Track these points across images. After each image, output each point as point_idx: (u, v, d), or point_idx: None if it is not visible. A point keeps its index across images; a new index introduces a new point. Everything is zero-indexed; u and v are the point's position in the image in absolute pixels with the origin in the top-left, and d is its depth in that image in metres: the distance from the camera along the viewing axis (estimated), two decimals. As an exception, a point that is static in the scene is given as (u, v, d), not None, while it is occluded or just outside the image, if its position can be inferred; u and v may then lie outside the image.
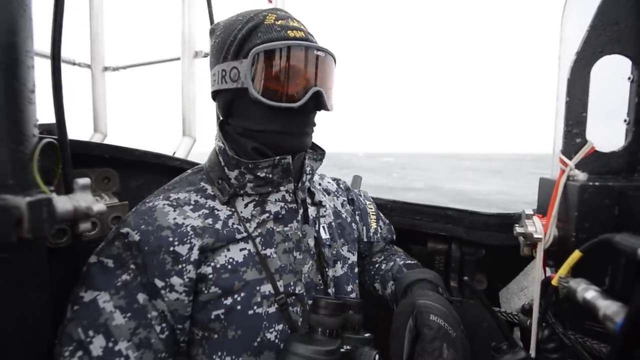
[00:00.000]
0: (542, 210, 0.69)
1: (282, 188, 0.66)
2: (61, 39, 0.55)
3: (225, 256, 0.60)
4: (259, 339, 0.58)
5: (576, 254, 0.52)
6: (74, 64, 2.16)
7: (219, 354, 0.57)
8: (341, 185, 0.90)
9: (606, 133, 0.69)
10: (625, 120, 0.67)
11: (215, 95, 0.68)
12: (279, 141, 0.63)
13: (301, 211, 0.69)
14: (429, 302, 0.60)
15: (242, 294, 0.59)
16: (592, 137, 0.64)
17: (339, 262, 0.73)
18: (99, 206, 0.48)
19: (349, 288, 0.74)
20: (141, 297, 0.54)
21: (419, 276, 0.71)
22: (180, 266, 0.56)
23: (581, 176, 0.60)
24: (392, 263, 0.83)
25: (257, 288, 0.60)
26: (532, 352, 0.59)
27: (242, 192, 0.65)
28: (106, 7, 2.15)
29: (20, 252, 0.42)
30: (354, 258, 0.78)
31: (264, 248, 0.63)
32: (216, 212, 0.63)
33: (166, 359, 0.55)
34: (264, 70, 0.59)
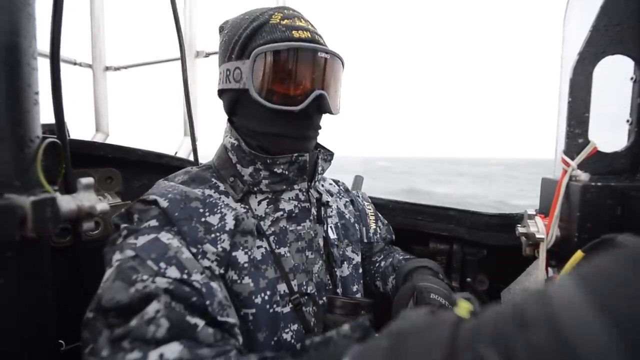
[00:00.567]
0: (544, 210, 0.69)
1: (295, 187, 0.66)
2: (60, 39, 0.55)
3: (246, 253, 0.58)
4: (275, 339, 0.57)
5: (578, 254, 0.52)
6: (75, 63, 2.16)
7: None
8: (341, 187, 0.90)
9: (609, 135, 0.69)
10: (628, 121, 0.67)
11: (221, 93, 0.68)
12: (279, 144, 0.62)
13: (314, 210, 0.69)
14: (429, 284, 0.61)
15: (268, 292, 0.58)
16: (595, 139, 0.64)
17: (345, 263, 0.74)
18: (102, 205, 0.48)
19: (355, 288, 0.74)
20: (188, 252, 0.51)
21: (418, 264, 0.73)
22: (213, 235, 0.54)
23: (583, 176, 0.60)
24: (390, 259, 0.84)
25: (276, 287, 0.59)
26: None
27: (255, 189, 0.64)
28: (107, 6, 2.16)
29: (24, 251, 0.42)
30: (358, 258, 0.78)
31: (277, 247, 0.62)
32: (231, 208, 0.61)
33: (230, 307, 0.51)
34: (265, 71, 0.58)
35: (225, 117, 0.70)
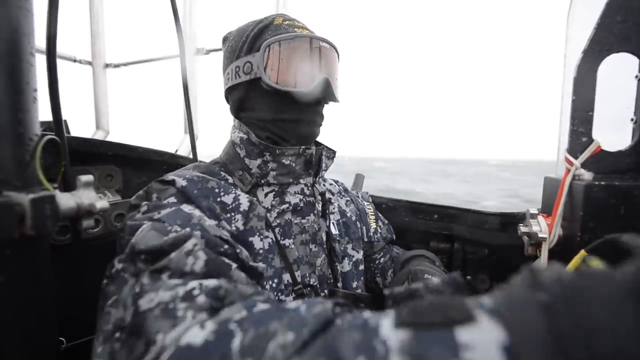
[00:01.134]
0: (547, 209, 0.69)
1: (301, 181, 0.68)
2: (57, 35, 0.54)
3: (261, 240, 0.60)
4: None
5: (581, 254, 0.52)
6: (74, 61, 2.15)
7: None
8: (341, 187, 0.92)
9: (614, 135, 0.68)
10: (632, 119, 0.66)
11: (229, 93, 0.70)
12: (292, 128, 0.65)
13: (318, 205, 0.71)
14: (424, 267, 0.63)
15: (276, 280, 0.60)
16: (599, 138, 0.63)
17: (346, 259, 0.75)
18: (102, 203, 0.48)
19: (355, 284, 0.75)
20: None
21: (415, 253, 0.76)
22: (228, 215, 0.57)
23: (587, 175, 0.60)
24: (389, 255, 0.87)
25: (282, 277, 0.61)
26: None
27: (263, 181, 0.66)
28: (107, 3, 2.15)
29: (24, 249, 0.42)
30: (358, 256, 0.79)
31: (282, 238, 0.64)
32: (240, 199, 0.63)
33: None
34: (275, 59, 0.62)
35: (230, 116, 0.73)
